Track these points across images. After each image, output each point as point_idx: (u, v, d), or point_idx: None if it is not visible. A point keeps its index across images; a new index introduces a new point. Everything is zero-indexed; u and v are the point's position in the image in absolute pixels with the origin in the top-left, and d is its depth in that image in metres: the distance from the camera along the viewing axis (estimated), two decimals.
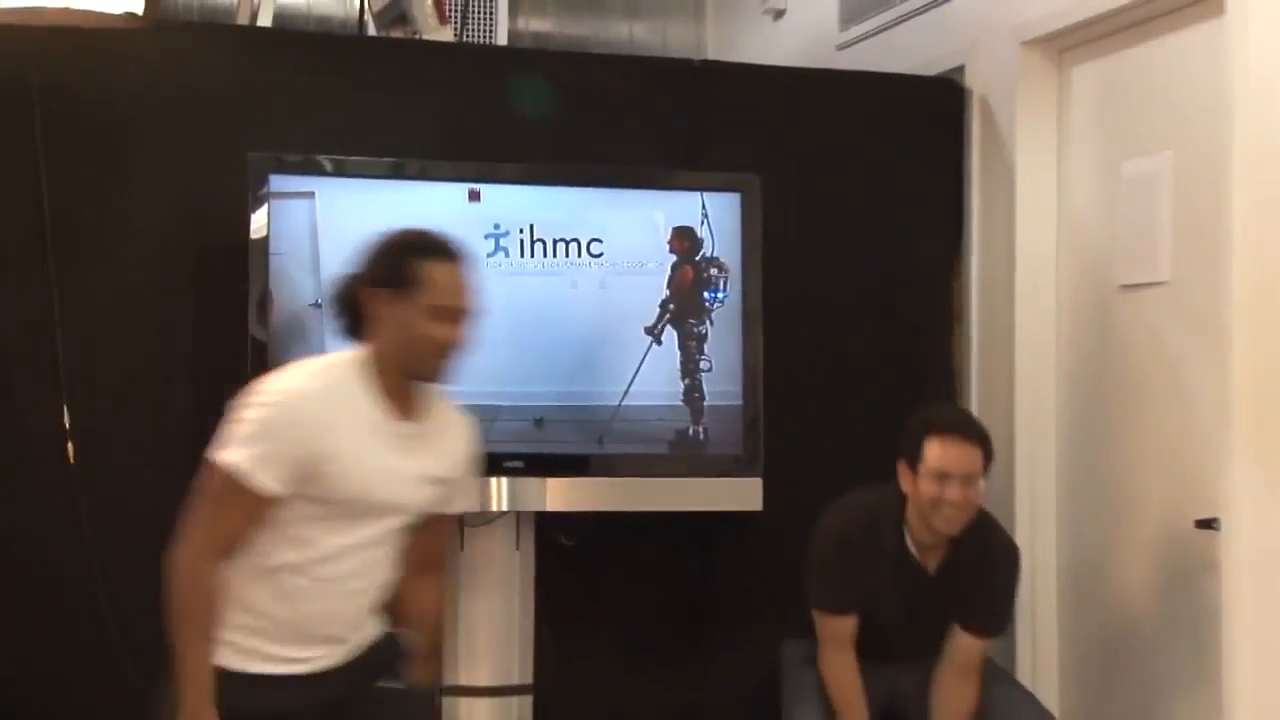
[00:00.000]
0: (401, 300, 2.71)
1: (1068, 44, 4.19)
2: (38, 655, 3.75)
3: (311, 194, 3.72)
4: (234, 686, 2.67)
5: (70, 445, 3.70)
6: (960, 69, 4.49)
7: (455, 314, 2.74)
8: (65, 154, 3.75)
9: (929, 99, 4.48)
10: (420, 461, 2.80)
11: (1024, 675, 4.21)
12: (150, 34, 3.73)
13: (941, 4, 4.62)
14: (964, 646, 3.63)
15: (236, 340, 3.65)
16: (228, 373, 3.63)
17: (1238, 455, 3.43)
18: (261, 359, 3.62)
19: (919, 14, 4.73)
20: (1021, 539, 4.19)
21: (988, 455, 3.52)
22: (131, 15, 3.83)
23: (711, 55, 6.23)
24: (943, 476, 3.45)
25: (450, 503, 2.96)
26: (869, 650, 3.65)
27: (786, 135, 4.26)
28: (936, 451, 3.46)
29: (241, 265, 3.65)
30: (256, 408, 2.67)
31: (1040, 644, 4.27)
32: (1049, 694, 4.20)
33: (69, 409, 3.71)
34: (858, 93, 4.45)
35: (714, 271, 3.88)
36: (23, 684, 3.73)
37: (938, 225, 4.25)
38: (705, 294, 3.87)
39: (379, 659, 2.89)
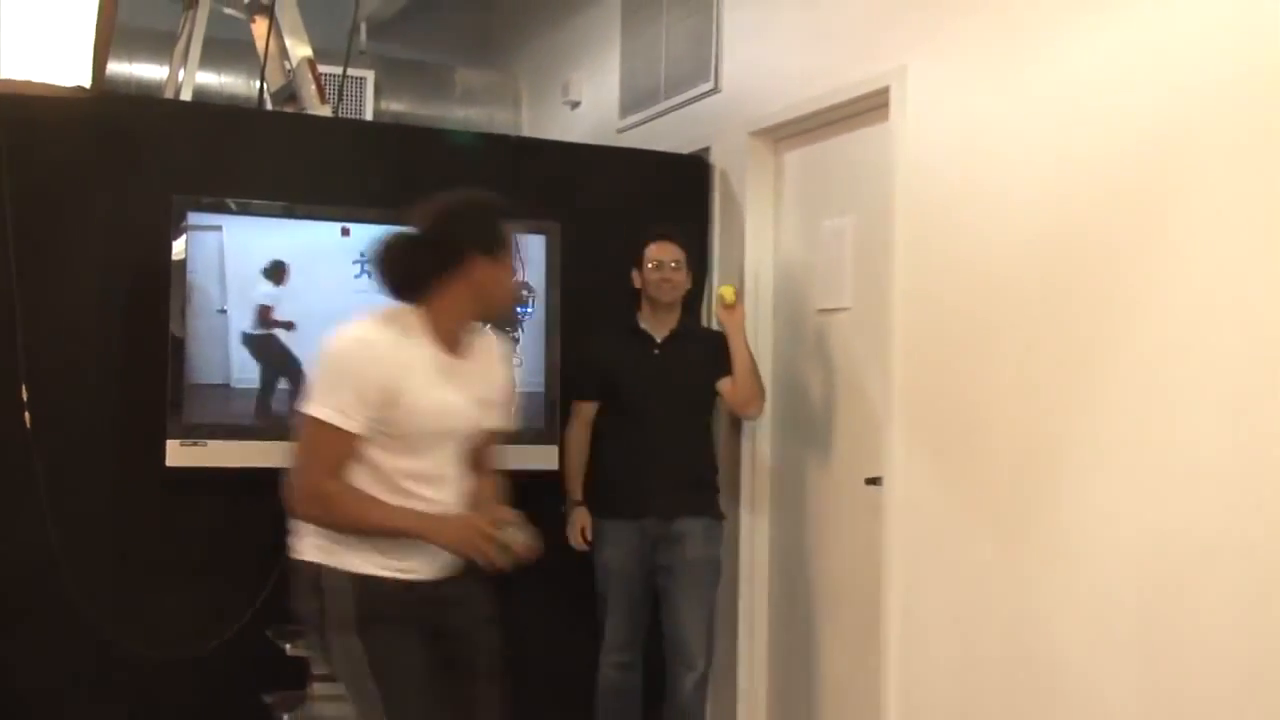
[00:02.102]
0: (497, 262, 2.53)
1: (782, 135, 4.30)
2: None
3: (220, 227, 3.70)
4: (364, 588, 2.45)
5: (27, 414, 3.61)
6: (707, 150, 4.59)
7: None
8: (27, 194, 3.65)
9: (684, 171, 4.57)
10: (471, 390, 2.57)
11: (744, 616, 4.28)
12: (96, 103, 3.66)
13: (693, 103, 4.73)
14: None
15: (161, 336, 3.62)
16: (154, 360, 3.63)
17: (895, 430, 3.59)
18: (180, 351, 3.61)
19: (677, 109, 4.84)
20: (744, 502, 4.30)
21: (685, 250, 4.02)
22: (80, 88, 3.75)
23: (525, 133, 6.25)
24: (660, 265, 3.97)
25: (496, 420, 2.69)
26: (632, 430, 3.95)
27: (580, 193, 4.30)
28: (654, 250, 3.99)
29: (165, 281, 3.62)
30: (334, 356, 2.43)
31: (756, 591, 4.31)
32: (760, 625, 4.29)
33: (26, 386, 3.61)
34: (632, 164, 4.53)
35: (525, 293, 3.93)
36: None
37: (689, 264, 4.34)
38: (519, 309, 3.93)
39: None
